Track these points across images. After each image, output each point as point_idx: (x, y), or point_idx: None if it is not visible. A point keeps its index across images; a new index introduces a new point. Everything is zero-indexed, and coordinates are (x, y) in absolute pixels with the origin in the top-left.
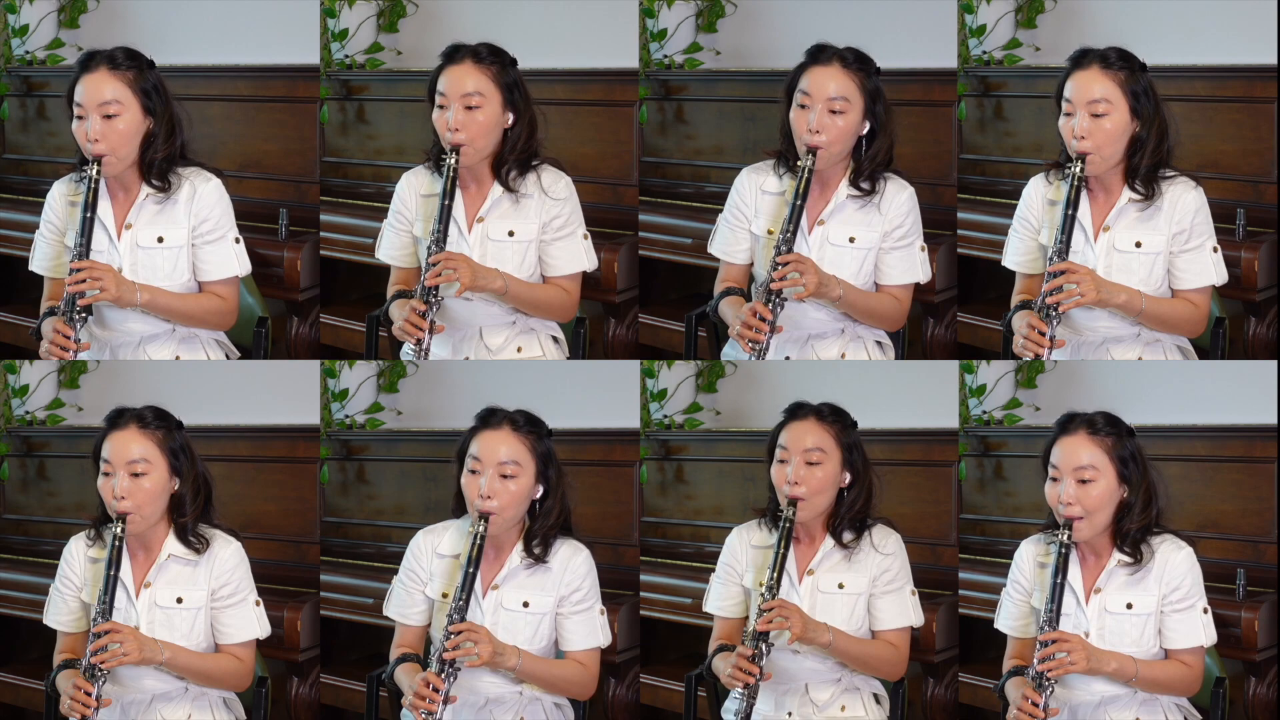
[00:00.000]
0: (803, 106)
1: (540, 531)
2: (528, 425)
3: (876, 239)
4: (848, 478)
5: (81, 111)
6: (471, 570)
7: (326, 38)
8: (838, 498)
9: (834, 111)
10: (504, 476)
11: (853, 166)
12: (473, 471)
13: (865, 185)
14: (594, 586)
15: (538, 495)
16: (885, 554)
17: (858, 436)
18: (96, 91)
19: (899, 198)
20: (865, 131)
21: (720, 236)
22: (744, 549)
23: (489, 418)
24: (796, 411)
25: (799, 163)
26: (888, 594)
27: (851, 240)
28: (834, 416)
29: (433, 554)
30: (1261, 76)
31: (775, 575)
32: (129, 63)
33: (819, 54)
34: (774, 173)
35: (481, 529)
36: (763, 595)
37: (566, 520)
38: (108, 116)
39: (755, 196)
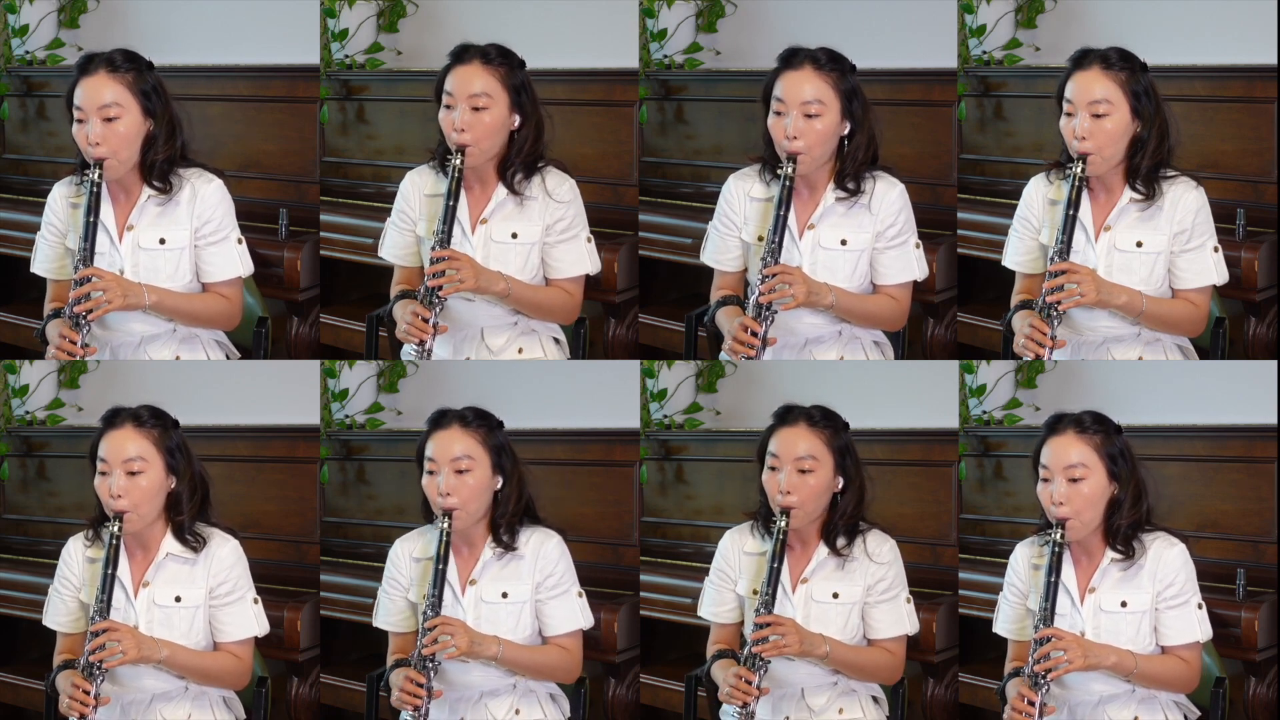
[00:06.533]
0: (778, 113)
1: (504, 520)
2: (477, 420)
3: (869, 240)
4: (841, 483)
5: (81, 115)
6: (441, 566)
7: (326, 38)
8: (831, 503)
9: (810, 115)
10: (459, 472)
11: (838, 168)
12: (430, 473)
13: (851, 185)
14: (569, 570)
15: (497, 486)
16: (880, 563)
17: (849, 439)
18: (96, 94)
19: (889, 196)
20: (846, 132)
21: (711, 245)
22: (736, 555)
23: (439, 419)
24: (786, 416)
25: (779, 170)
26: (883, 603)
27: (843, 243)
28: (825, 421)
29: (410, 560)
30: (1261, 76)
31: (770, 591)
32: (128, 65)
33: (791, 58)
34: (760, 178)
35: (447, 525)
36: (757, 610)
37: (530, 508)
38: (108, 119)
39: (743, 204)
